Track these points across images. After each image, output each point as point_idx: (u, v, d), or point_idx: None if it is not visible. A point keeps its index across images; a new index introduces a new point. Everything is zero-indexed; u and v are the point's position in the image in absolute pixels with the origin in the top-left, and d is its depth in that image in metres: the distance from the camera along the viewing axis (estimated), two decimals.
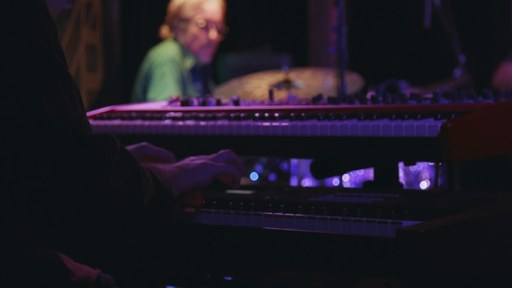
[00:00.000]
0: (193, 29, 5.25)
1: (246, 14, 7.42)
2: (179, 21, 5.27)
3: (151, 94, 5.08)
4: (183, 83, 5.16)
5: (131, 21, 6.36)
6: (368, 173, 4.57)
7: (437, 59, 6.34)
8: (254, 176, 4.97)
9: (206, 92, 5.32)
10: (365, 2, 6.68)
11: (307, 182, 4.80)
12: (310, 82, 4.66)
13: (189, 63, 5.25)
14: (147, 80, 5.16)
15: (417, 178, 4.97)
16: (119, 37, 6.00)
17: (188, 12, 5.26)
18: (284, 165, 4.73)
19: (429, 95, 2.25)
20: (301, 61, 6.86)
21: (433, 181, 4.98)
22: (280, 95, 4.59)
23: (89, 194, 1.74)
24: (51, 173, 1.71)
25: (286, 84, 4.60)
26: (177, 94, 4.99)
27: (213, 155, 2.07)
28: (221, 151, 2.08)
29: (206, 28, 5.27)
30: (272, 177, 4.90)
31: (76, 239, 1.93)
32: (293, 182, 4.57)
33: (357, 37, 3.98)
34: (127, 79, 6.01)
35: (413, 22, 5.84)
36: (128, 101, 5.46)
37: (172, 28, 5.31)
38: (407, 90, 5.36)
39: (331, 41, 6.81)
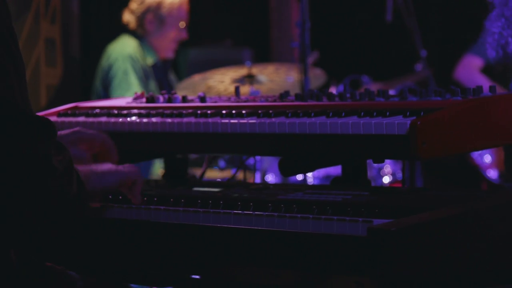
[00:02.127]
0: (169, 27, 5.20)
1: (208, 7, 7.39)
2: (155, 16, 5.20)
3: (116, 92, 5.03)
4: (145, 79, 5.12)
5: (91, 15, 6.29)
6: (332, 168, 4.58)
7: (399, 53, 6.37)
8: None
9: (168, 87, 5.28)
10: None
11: (270, 177, 4.80)
12: (273, 77, 4.65)
13: (149, 60, 5.21)
14: (108, 77, 5.11)
15: (380, 173, 4.99)
16: (79, 32, 5.93)
17: (167, 11, 5.19)
18: (250, 161, 4.72)
19: (392, 92, 2.25)
20: (262, 56, 6.85)
21: (395, 176, 5.01)
22: (243, 90, 4.57)
23: (34, 170, 1.77)
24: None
25: (249, 79, 4.59)
26: (141, 91, 4.95)
27: (118, 166, 2.10)
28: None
29: (182, 29, 5.24)
30: (234, 172, 4.89)
31: (11, 221, 1.90)
32: (257, 177, 4.56)
33: (319, 32, 3.98)
34: (87, 74, 5.95)
35: (375, 16, 5.85)
36: (87, 96, 5.40)
37: (143, 22, 5.22)
38: (369, 84, 5.38)
39: (293, 35, 6.81)
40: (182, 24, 5.23)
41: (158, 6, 5.22)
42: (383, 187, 3.71)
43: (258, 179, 4.54)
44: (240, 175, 4.23)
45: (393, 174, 5.05)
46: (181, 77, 6.42)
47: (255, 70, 4.61)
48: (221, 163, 4.97)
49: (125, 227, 2.06)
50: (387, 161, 4.89)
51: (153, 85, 5.13)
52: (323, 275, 1.78)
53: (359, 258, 1.67)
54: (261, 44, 7.15)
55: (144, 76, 5.12)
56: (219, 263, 1.93)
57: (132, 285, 2.39)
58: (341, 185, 2.20)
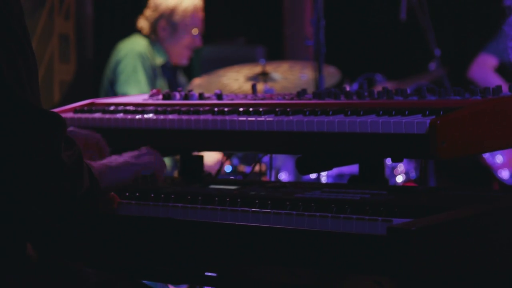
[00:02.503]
0: (182, 34, 5.18)
1: (221, 5, 7.38)
2: (168, 23, 5.19)
3: (123, 88, 5.02)
4: (153, 78, 5.11)
5: (105, 11, 6.29)
6: (345, 167, 4.56)
7: (413, 52, 6.35)
8: (228, 169, 4.95)
9: (176, 88, 5.27)
10: None
11: (283, 176, 4.79)
12: (287, 75, 4.65)
13: (159, 60, 5.20)
14: (115, 73, 5.09)
15: (393, 172, 4.98)
16: (92, 28, 5.94)
17: (181, 18, 5.17)
18: (263, 159, 4.71)
19: (404, 90, 2.22)
20: (276, 53, 6.84)
21: (408, 175, 4.99)
22: (257, 87, 4.56)
23: (42, 165, 1.78)
24: (6, 138, 1.75)
25: (263, 76, 4.58)
26: (148, 88, 4.95)
27: (135, 152, 2.12)
28: (142, 148, 2.14)
29: (195, 36, 5.22)
30: (248, 170, 4.88)
31: (20, 215, 1.91)
32: (271, 176, 4.55)
33: (333, 30, 3.97)
34: (100, 71, 5.95)
35: (389, 15, 5.83)
36: (99, 93, 5.40)
37: (156, 28, 5.21)
38: (383, 83, 5.36)
39: (307, 33, 6.79)
40: (195, 31, 5.21)
41: (171, 13, 5.20)
42: (400, 186, 3.70)
43: (271, 178, 4.53)
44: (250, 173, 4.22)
45: (406, 173, 5.03)
46: (193, 74, 6.42)
47: (269, 68, 4.61)
48: (235, 160, 4.96)
49: (142, 224, 2.05)
50: None
51: (161, 84, 5.12)
52: (342, 274, 1.78)
53: (378, 257, 1.66)
54: (274, 42, 7.14)
55: (153, 74, 5.11)
56: (236, 261, 1.93)
57: (147, 282, 2.39)
58: (358, 184, 2.19)
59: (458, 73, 5.85)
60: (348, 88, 2.31)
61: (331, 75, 4.54)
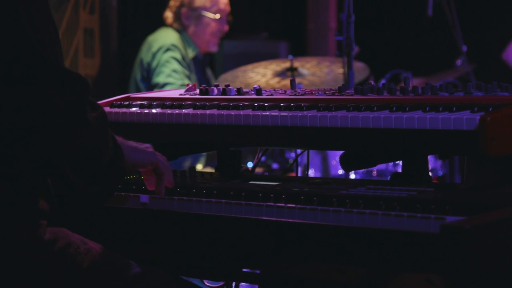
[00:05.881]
0: (207, 19, 5.18)
1: (243, 0, 7.36)
2: (191, 11, 5.18)
3: (159, 78, 5.00)
4: (188, 71, 5.10)
5: (129, 6, 6.28)
6: None
7: (439, 48, 6.31)
8: (249, 164, 4.92)
9: (206, 82, 5.26)
10: None
11: (311, 172, 4.76)
12: (315, 71, 4.62)
13: (191, 52, 5.19)
14: (150, 67, 5.08)
15: None
16: (117, 23, 5.92)
17: (201, 2, 5.17)
18: (291, 155, 4.69)
19: (450, 86, 2.20)
20: (299, 48, 6.81)
21: (436, 172, 4.96)
22: (284, 83, 4.54)
23: (67, 121, 1.80)
24: (33, 96, 1.77)
25: (291, 72, 4.55)
26: (186, 79, 4.94)
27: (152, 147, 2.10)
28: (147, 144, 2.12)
29: (220, 19, 5.20)
30: (274, 166, 4.86)
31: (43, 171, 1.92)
32: (298, 172, 4.52)
33: (359, 25, 3.95)
34: (124, 65, 5.94)
35: (416, 11, 5.80)
36: (124, 87, 5.39)
37: (180, 17, 5.21)
38: (410, 80, 5.31)
39: (330, 28, 6.76)
40: (218, 16, 5.20)
41: (191, 0, 5.20)
42: (445, 183, 3.67)
43: (298, 174, 4.50)
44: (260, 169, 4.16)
45: (432, 171, 5.00)
46: (215, 70, 6.40)
47: (296, 64, 4.58)
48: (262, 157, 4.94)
49: (183, 219, 2.03)
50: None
51: (193, 79, 5.11)
52: (391, 272, 1.75)
53: (429, 255, 1.64)
54: (297, 37, 7.11)
55: (188, 67, 5.10)
56: (280, 258, 1.90)
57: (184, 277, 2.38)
58: (401, 180, 2.16)
59: (485, 69, 5.81)
60: (373, 84, 2.29)
61: (360, 70, 4.51)
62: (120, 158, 1.95)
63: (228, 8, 5.28)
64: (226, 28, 5.27)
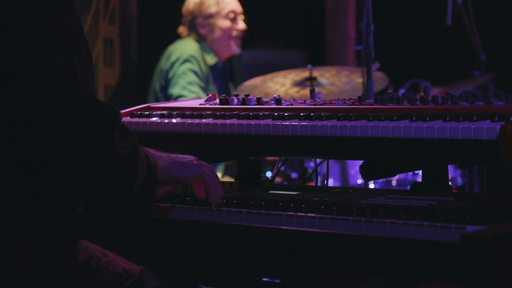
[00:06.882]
0: (221, 23, 5.20)
1: (262, 9, 7.37)
2: (204, 19, 5.21)
3: (174, 89, 5.03)
4: (205, 81, 5.11)
5: (149, 16, 6.32)
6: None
7: (458, 58, 6.30)
8: (268, 174, 4.93)
9: (226, 91, 5.27)
10: (386, 1, 6.63)
11: (330, 182, 4.75)
12: (334, 80, 4.62)
13: (211, 59, 5.21)
14: (167, 77, 5.11)
15: None
16: (137, 33, 5.96)
17: (211, 8, 5.21)
18: (310, 164, 4.69)
19: (470, 95, 2.19)
20: (317, 58, 6.81)
21: (455, 181, 4.94)
22: (303, 92, 4.55)
23: (95, 156, 1.79)
24: (61, 130, 1.76)
25: (310, 82, 4.56)
26: (201, 91, 4.96)
27: (197, 160, 2.09)
28: (189, 156, 2.10)
29: (234, 20, 5.23)
30: (294, 176, 4.87)
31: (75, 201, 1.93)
32: (318, 182, 4.53)
33: (378, 35, 3.95)
34: (144, 75, 5.97)
35: (435, 21, 5.79)
36: (144, 97, 5.42)
37: (194, 27, 5.23)
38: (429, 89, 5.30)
39: (349, 38, 6.76)
40: (231, 15, 5.22)
41: (201, 8, 5.23)
42: (465, 193, 3.66)
43: (318, 183, 4.51)
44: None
45: (452, 180, 4.98)
46: (234, 79, 6.41)
47: (316, 73, 4.59)
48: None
49: (203, 229, 2.04)
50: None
51: (212, 88, 5.12)
52: (411, 281, 1.75)
53: (450, 264, 1.64)
54: (315, 46, 7.11)
55: (206, 77, 5.12)
56: (300, 267, 1.91)
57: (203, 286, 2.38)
58: (421, 190, 2.16)
59: (504, 79, 5.79)
60: (393, 94, 2.29)
61: (379, 80, 4.51)
62: (153, 181, 1.93)
63: (239, 7, 5.30)
64: (242, 26, 5.28)
